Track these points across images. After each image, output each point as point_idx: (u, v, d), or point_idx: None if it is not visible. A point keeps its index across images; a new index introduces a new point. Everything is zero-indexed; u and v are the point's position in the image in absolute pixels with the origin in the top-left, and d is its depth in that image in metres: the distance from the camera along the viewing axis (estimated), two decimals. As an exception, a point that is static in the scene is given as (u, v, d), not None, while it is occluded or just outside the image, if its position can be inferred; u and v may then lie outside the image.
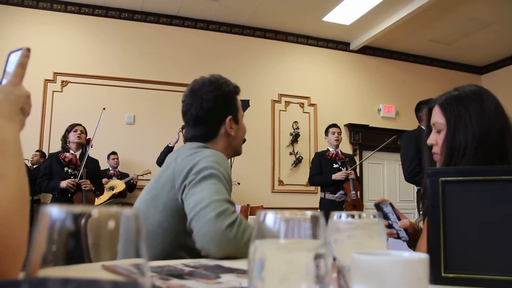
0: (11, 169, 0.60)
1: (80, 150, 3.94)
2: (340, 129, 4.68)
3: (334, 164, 4.49)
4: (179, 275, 0.78)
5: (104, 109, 4.61)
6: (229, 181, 1.21)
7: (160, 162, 4.63)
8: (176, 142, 4.84)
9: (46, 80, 5.60)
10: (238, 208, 4.07)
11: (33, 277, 0.26)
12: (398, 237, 1.18)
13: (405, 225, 1.16)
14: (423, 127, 3.53)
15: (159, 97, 5.97)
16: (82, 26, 5.88)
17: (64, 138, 3.95)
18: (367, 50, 7.18)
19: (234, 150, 1.43)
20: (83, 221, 0.31)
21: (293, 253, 0.37)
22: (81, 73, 5.74)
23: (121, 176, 5.28)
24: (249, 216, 4.02)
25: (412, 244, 1.22)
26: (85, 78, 5.75)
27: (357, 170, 5.13)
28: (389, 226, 1.17)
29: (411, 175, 3.44)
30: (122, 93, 5.87)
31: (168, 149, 4.66)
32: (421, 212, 3.13)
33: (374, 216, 0.57)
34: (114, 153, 5.37)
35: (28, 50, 0.77)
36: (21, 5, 5.67)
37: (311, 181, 4.67)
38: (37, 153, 5.23)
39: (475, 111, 1.12)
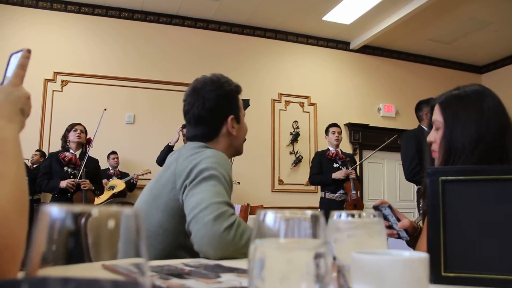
0: (10, 169, 0.60)
1: (80, 150, 3.94)
2: (340, 128, 4.68)
3: (334, 164, 4.50)
4: (179, 274, 0.78)
5: (105, 109, 4.62)
6: (229, 182, 1.20)
7: (160, 161, 4.63)
8: (176, 141, 4.85)
9: (46, 79, 5.59)
10: (238, 207, 4.07)
11: (33, 276, 0.26)
12: (399, 237, 1.18)
13: (405, 226, 1.15)
14: (423, 126, 3.54)
15: (159, 96, 5.96)
16: (82, 26, 5.88)
17: (64, 138, 3.95)
18: (367, 49, 7.17)
19: (235, 150, 1.42)
20: (83, 220, 0.31)
21: (293, 253, 0.37)
22: (81, 72, 5.74)
23: (121, 175, 5.28)
24: (249, 216, 4.01)
25: (412, 243, 1.22)
26: (85, 78, 5.75)
27: (357, 169, 5.13)
28: (390, 228, 1.17)
29: (411, 174, 3.44)
30: (122, 92, 5.87)
31: (168, 148, 4.66)
32: (421, 211, 3.13)
33: (374, 216, 0.57)
34: (114, 152, 5.37)
35: (29, 51, 0.78)
36: (21, 5, 5.66)
37: (312, 181, 4.68)
38: (37, 152, 5.23)
39: (474, 110, 1.12)
